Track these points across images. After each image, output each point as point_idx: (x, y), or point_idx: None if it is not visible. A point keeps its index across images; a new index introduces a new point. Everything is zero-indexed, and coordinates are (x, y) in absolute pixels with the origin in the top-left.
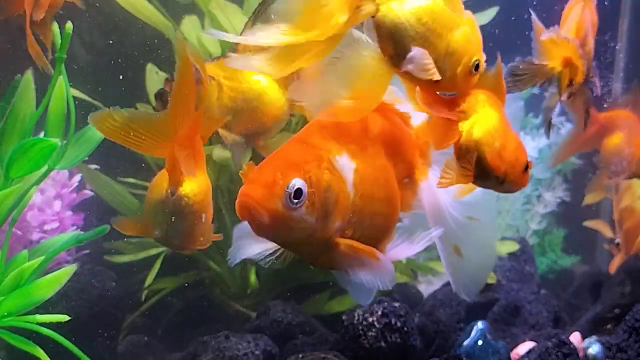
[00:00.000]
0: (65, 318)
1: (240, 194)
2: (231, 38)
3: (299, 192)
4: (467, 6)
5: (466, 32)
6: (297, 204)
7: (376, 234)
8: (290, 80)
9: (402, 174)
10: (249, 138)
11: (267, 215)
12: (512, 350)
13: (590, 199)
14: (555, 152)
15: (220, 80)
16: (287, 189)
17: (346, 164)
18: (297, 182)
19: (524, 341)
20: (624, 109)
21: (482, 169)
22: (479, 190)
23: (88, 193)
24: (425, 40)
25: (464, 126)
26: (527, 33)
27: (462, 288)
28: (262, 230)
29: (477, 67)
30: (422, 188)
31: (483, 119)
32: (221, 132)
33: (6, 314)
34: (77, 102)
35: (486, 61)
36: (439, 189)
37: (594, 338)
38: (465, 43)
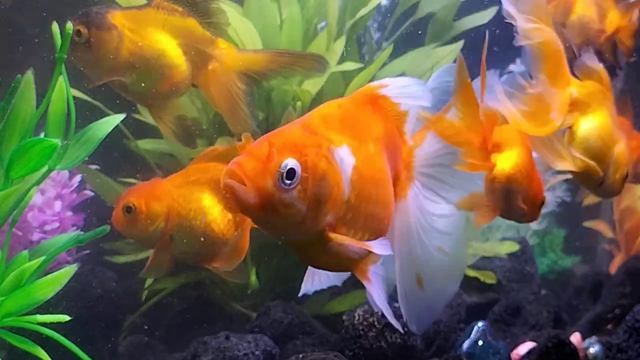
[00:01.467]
0: (65, 318)
1: (231, 163)
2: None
3: (291, 173)
4: (468, 5)
5: (623, 147)
6: (288, 184)
7: (368, 238)
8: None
9: None
10: (143, 97)
11: (255, 192)
12: (512, 350)
13: (590, 199)
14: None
15: (123, 31)
16: (280, 167)
17: (345, 158)
18: (290, 162)
19: (524, 341)
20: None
21: (507, 204)
22: (456, 220)
23: (88, 193)
24: (598, 150)
25: (496, 159)
26: None
27: (413, 318)
28: (247, 208)
29: (626, 176)
30: (398, 205)
31: (514, 155)
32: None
33: (6, 313)
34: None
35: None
36: (414, 209)
37: (594, 338)
38: (623, 155)
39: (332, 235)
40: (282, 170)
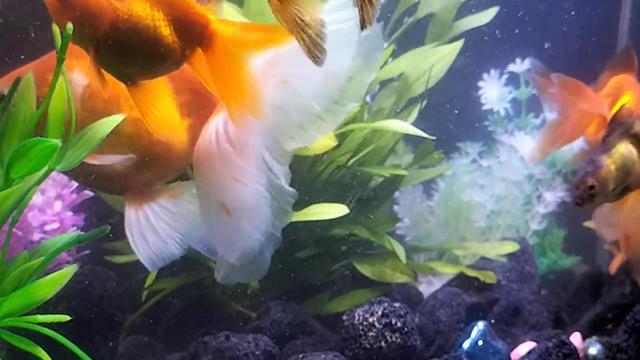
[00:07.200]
0: (65, 318)
1: None
2: None
3: None
4: (467, 6)
5: None
6: None
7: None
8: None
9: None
10: None
11: None
12: (512, 350)
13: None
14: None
15: None
16: None
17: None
18: None
19: (524, 341)
20: (620, 72)
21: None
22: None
23: (88, 193)
24: None
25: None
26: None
27: (224, 245)
28: None
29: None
30: (209, 124)
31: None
32: None
33: (6, 313)
34: None
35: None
36: (226, 133)
37: (594, 338)
38: None
39: None
40: None
